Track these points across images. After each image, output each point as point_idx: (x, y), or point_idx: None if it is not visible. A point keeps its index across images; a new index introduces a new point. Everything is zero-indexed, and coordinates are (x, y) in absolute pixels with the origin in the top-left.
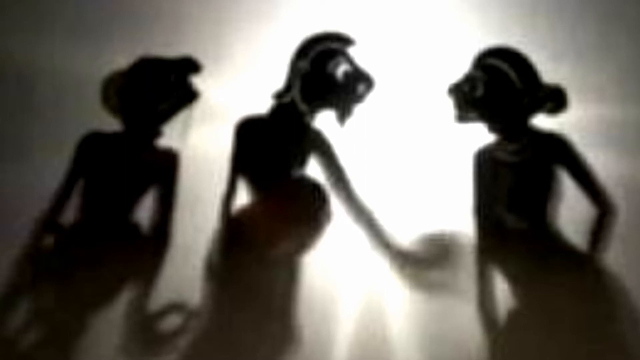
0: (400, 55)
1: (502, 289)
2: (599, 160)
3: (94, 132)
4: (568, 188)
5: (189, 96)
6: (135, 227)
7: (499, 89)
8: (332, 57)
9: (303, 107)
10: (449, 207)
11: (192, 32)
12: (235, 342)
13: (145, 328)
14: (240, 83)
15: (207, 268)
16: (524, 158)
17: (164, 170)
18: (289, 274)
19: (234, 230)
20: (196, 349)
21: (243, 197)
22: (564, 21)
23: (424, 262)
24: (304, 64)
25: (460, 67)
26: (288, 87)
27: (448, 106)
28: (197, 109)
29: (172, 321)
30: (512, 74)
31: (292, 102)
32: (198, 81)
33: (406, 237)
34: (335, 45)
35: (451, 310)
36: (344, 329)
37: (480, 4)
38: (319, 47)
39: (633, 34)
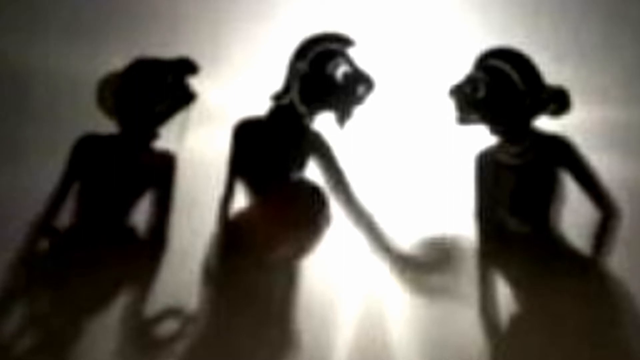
0: (400, 56)
1: (504, 294)
2: (603, 163)
3: (90, 134)
4: (571, 191)
5: (186, 98)
6: (131, 230)
7: (501, 90)
8: (331, 58)
9: (302, 108)
10: (450, 210)
11: (189, 33)
12: (233, 347)
13: (141, 333)
14: (238, 84)
15: (205, 272)
16: (526, 160)
17: (161, 172)
18: (288, 279)
19: (232, 234)
20: (193, 354)
21: (241, 200)
22: (567, 22)
23: (425, 266)
24: (303, 65)
25: (462, 68)
26: (287, 89)
27: (449, 108)
28: (195, 111)
29: (169, 326)
30: (515, 75)
31: (291, 104)
32: (195, 82)
33: (407, 240)
34: (334, 46)
35: (452, 315)
36: (344, 334)
37: (482, 5)
38: (318, 48)
39: (637, 34)
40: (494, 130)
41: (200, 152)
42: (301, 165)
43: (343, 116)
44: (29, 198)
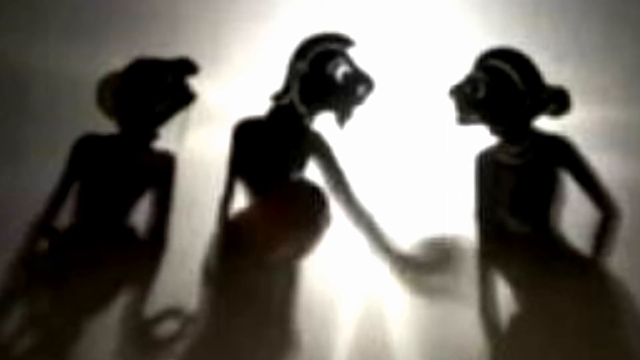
0: (400, 56)
1: (504, 294)
2: (603, 163)
3: (90, 134)
4: (571, 191)
5: (186, 98)
6: (131, 230)
7: (501, 90)
8: (331, 58)
9: (302, 109)
10: (450, 210)
11: (189, 33)
12: (233, 347)
13: (141, 333)
14: (238, 84)
15: (205, 272)
16: (526, 160)
17: (161, 173)
18: (288, 279)
19: (232, 234)
20: (193, 354)
21: (241, 201)
22: (567, 22)
23: (425, 267)
24: (303, 65)
25: (462, 68)
26: (287, 89)
27: (449, 108)
28: (194, 111)
29: (168, 326)
30: (515, 76)
31: (291, 104)
32: (195, 83)
33: (407, 241)
34: (334, 46)
35: (452, 316)
36: (344, 334)
37: (482, 5)
38: (318, 48)
39: (637, 34)
40: (494, 130)
41: (200, 152)
42: (301, 165)
43: (343, 116)
44: (28, 198)
